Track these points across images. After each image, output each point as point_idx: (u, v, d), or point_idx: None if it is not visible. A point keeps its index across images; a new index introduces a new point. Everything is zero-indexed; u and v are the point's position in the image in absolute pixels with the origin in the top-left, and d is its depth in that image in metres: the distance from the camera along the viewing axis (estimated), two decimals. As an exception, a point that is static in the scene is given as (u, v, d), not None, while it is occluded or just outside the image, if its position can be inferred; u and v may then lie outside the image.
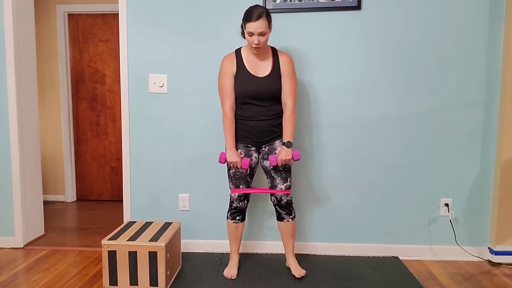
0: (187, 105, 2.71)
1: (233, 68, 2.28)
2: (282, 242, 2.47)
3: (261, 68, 2.28)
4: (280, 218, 2.40)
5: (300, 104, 2.66)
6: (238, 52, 2.32)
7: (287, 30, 2.62)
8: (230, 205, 2.40)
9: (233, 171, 2.33)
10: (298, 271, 2.38)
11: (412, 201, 2.70)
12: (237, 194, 2.35)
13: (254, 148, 2.36)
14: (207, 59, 2.68)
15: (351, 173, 2.70)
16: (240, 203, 2.37)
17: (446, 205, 2.67)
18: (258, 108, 2.29)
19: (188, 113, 2.72)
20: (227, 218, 2.43)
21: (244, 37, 2.24)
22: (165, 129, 2.74)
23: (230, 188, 2.38)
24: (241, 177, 2.33)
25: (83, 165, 4.24)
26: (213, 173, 2.74)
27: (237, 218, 2.41)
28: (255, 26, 2.11)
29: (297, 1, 2.59)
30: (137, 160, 2.77)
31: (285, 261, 2.51)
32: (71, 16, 4.10)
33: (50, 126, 4.16)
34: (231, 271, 2.39)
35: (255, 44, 2.15)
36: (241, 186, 2.35)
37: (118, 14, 2.79)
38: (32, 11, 2.99)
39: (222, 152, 2.31)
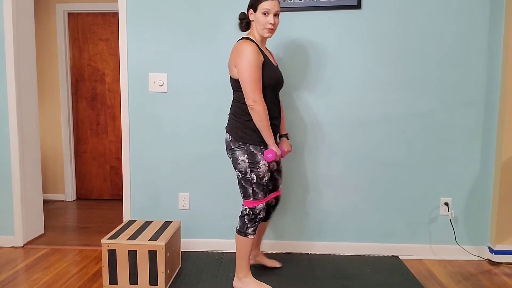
0: (187, 104, 2.71)
1: (261, 57, 2.02)
2: (260, 242, 2.48)
3: (271, 57, 2.18)
4: (268, 217, 2.38)
5: (300, 104, 2.67)
6: (250, 39, 2.06)
7: (286, 30, 2.62)
8: (254, 220, 2.10)
9: (267, 178, 2.09)
10: (274, 262, 2.49)
11: (412, 201, 2.70)
12: (265, 202, 2.13)
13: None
14: (207, 58, 2.67)
15: (351, 172, 2.70)
16: (274, 207, 2.30)
17: (446, 204, 2.67)
18: (276, 101, 2.15)
19: (188, 112, 2.72)
20: (246, 236, 2.10)
21: (244, 29, 2.14)
22: (165, 128, 2.74)
23: (257, 199, 2.08)
24: (270, 179, 2.19)
25: (83, 164, 4.24)
26: (213, 172, 2.74)
27: (256, 229, 2.16)
28: (273, 4, 1.99)
29: (297, 0, 2.59)
30: (137, 159, 2.77)
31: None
32: (71, 15, 4.10)
33: (50, 125, 4.16)
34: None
35: (270, 24, 2.00)
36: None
37: (118, 13, 2.80)
38: (31, 10, 2.98)
39: (270, 150, 2.02)
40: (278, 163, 2.27)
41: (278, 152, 2.05)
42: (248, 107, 1.99)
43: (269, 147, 2.05)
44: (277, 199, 2.35)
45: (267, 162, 2.08)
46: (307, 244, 2.76)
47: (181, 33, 2.67)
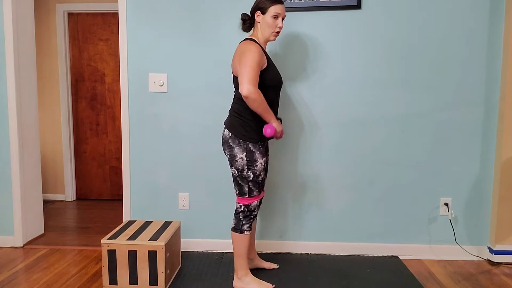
0: (187, 104, 2.71)
1: (264, 59, 2.03)
2: (254, 244, 2.46)
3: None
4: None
5: (300, 103, 2.67)
6: (254, 41, 2.06)
7: (286, 30, 2.62)
8: (249, 216, 2.14)
9: (262, 176, 2.12)
10: (271, 264, 2.50)
11: (412, 201, 2.70)
12: (259, 199, 2.17)
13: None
14: (207, 58, 2.67)
15: (351, 172, 2.71)
16: (258, 207, 2.23)
17: (446, 204, 2.67)
18: (278, 101, 2.16)
19: (188, 112, 2.72)
20: (242, 232, 2.13)
21: (247, 30, 2.16)
22: (165, 128, 2.74)
23: (252, 196, 2.12)
24: (263, 178, 2.18)
25: (83, 164, 4.24)
26: (213, 172, 2.74)
27: (251, 225, 2.18)
28: (282, 8, 2.05)
29: (297, 0, 2.59)
30: (137, 159, 2.77)
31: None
32: (71, 15, 4.10)
33: (50, 125, 4.16)
34: (265, 286, 2.19)
35: (279, 27, 2.06)
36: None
37: (118, 13, 2.80)
38: (32, 10, 2.98)
39: (269, 125, 2.00)
40: (266, 163, 2.26)
41: (279, 129, 2.04)
42: (244, 98, 1.93)
43: (269, 123, 2.02)
44: (260, 199, 2.34)
45: (263, 161, 2.10)
46: (307, 244, 2.76)
47: (181, 33, 2.67)
